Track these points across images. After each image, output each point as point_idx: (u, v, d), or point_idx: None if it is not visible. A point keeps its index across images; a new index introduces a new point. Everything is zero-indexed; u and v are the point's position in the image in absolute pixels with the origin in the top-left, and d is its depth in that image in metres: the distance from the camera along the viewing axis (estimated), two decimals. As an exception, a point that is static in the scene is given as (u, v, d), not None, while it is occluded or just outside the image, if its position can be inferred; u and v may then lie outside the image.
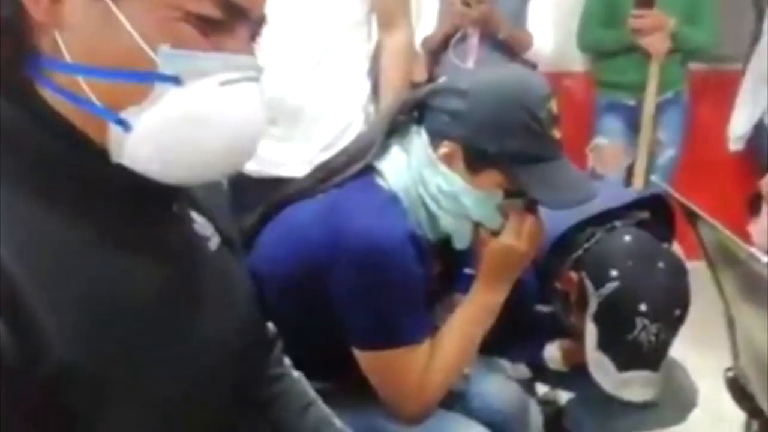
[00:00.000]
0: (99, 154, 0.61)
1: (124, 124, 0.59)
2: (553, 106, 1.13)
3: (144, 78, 0.58)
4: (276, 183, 1.50)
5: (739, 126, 2.74)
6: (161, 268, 0.65)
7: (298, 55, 1.71)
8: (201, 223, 0.74)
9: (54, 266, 0.56)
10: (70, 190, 0.60)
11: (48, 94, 0.61)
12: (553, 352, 1.47)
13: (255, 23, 0.64)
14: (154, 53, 0.58)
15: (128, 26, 0.57)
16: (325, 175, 1.22)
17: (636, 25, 2.71)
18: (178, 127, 0.59)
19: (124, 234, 0.62)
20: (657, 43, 2.71)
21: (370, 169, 1.19)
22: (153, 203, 0.66)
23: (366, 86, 1.85)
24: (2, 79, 0.60)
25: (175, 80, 0.58)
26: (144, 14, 0.58)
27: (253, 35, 0.65)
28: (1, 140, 0.58)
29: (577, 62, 3.13)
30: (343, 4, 1.73)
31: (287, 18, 1.66)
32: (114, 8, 0.57)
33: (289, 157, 1.70)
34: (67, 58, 0.59)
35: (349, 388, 1.14)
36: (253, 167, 1.62)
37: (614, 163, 2.90)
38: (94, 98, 0.59)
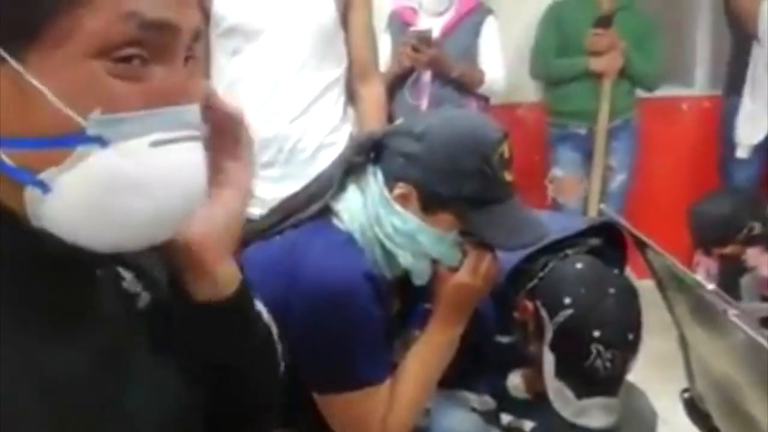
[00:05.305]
0: (7, 220, 0.54)
1: (42, 186, 0.53)
2: (506, 149, 1.15)
3: (66, 143, 0.52)
4: None
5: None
6: (88, 340, 0.59)
7: (289, 101, 1.88)
8: (129, 280, 0.67)
9: None
10: None
11: None
12: (515, 381, 1.48)
13: (188, 42, 0.57)
14: (84, 120, 0.52)
15: (48, 94, 0.51)
16: (282, 216, 1.22)
17: (593, 45, 2.81)
18: (103, 191, 0.53)
19: (43, 309, 0.56)
20: (611, 62, 2.82)
21: (326, 210, 1.19)
22: (73, 270, 0.59)
23: (347, 129, 1.99)
24: None
25: (100, 141, 0.52)
26: (65, 73, 0.52)
27: (188, 57, 0.57)
28: None
29: (530, 92, 3.20)
30: (325, 62, 1.90)
31: (278, 65, 1.85)
32: (23, 71, 0.51)
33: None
34: None
35: None
36: (255, 210, 1.64)
37: (573, 193, 2.99)
38: (8, 160, 0.53)
